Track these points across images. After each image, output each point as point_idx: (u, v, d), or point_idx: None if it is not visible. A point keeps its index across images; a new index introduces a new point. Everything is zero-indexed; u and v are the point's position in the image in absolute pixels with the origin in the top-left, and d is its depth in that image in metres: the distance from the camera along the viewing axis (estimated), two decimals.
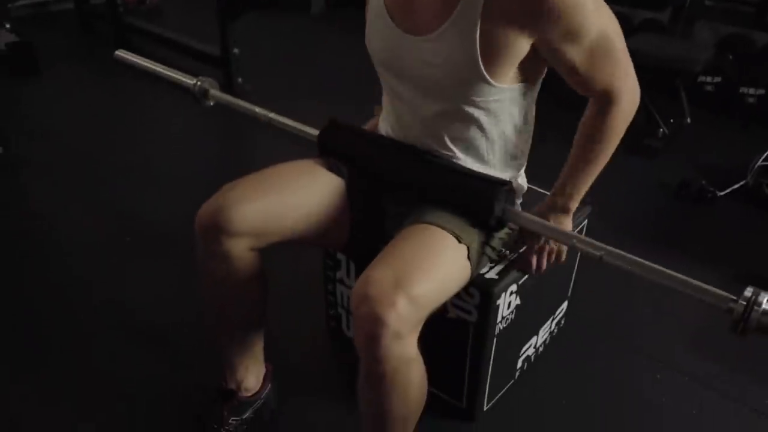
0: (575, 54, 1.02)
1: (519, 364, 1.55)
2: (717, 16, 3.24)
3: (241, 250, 1.16)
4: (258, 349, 1.37)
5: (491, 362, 1.39)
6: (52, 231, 2.12)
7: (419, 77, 1.11)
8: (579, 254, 1.61)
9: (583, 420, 1.48)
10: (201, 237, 1.15)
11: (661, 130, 2.74)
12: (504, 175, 1.23)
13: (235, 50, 3.14)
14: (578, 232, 1.55)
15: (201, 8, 3.08)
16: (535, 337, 1.57)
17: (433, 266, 1.04)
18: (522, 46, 1.02)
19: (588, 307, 1.80)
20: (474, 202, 1.13)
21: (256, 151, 2.74)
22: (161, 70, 1.55)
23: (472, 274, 1.15)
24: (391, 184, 1.24)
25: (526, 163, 1.32)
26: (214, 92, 1.48)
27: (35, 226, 2.15)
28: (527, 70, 1.08)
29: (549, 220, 1.20)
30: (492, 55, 1.02)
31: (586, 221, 1.56)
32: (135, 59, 1.58)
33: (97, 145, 2.73)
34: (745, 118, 3.05)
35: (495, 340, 1.35)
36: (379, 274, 0.98)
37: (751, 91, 3.02)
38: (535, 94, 1.19)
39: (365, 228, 1.27)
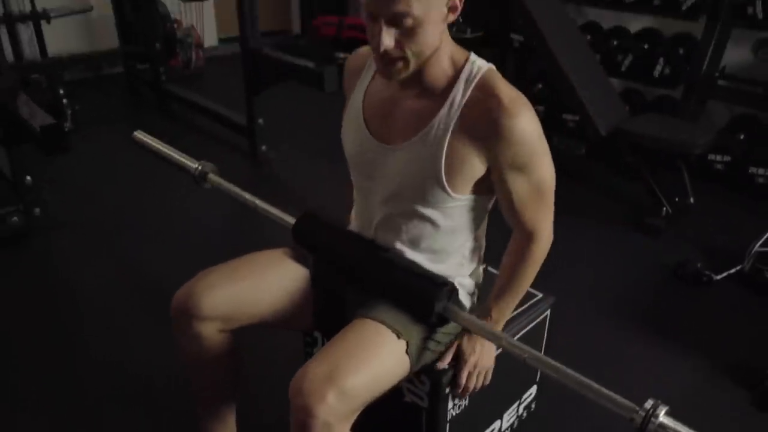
0: (518, 186, 1.14)
1: None
2: (729, 97, 3.28)
3: (210, 332, 1.28)
4: (230, 420, 1.48)
5: None
6: (72, 291, 2.30)
7: (385, 181, 1.23)
8: (545, 340, 1.68)
9: None
10: (174, 319, 1.28)
11: (665, 209, 2.77)
12: (459, 272, 1.32)
13: (260, 120, 3.35)
14: (541, 322, 1.62)
15: (237, 74, 3.34)
16: (498, 422, 1.62)
17: (368, 361, 1.13)
18: (480, 166, 1.14)
19: (560, 391, 1.83)
20: (415, 301, 1.22)
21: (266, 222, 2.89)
22: (168, 152, 1.67)
23: (412, 367, 1.22)
24: (349, 276, 1.35)
25: (481, 261, 1.41)
26: (212, 176, 1.59)
27: (58, 284, 2.35)
28: (484, 186, 1.19)
29: (479, 343, 1.30)
30: (454, 170, 1.14)
31: (548, 311, 1.62)
32: (148, 141, 1.72)
33: (125, 207, 2.94)
34: (755, 198, 3.05)
35: (448, 425, 1.42)
36: (314, 368, 1.08)
37: (761, 171, 3.03)
38: (489, 204, 1.29)
39: (327, 315, 1.38)
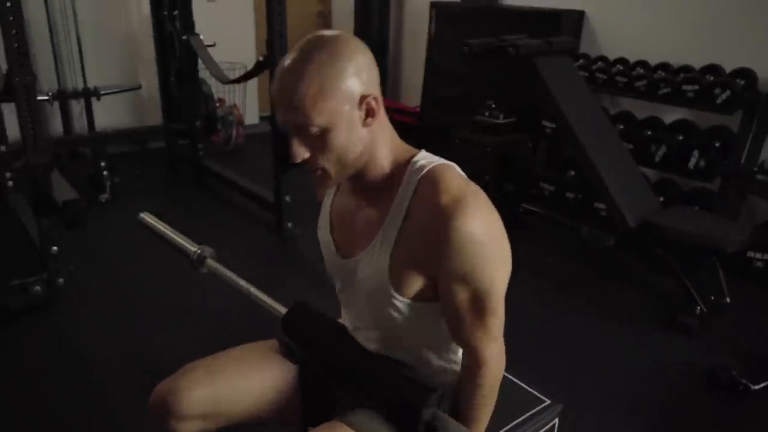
0: (456, 298, 1.04)
1: None
2: None
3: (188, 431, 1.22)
4: None
5: None
6: (78, 368, 2.29)
7: (351, 290, 1.20)
8: None
9: None
10: (152, 415, 1.22)
11: (699, 308, 2.63)
12: (443, 378, 1.23)
13: (287, 198, 3.39)
14: (549, 430, 1.50)
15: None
16: None
17: None
18: (426, 275, 1.06)
19: None
20: (402, 406, 1.14)
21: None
22: (171, 235, 1.68)
23: None
24: (336, 375, 1.28)
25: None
26: (210, 261, 1.59)
27: (68, 358, 2.35)
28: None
29: None
30: (403, 280, 1.07)
31: (557, 420, 1.51)
32: (153, 223, 1.73)
33: (146, 282, 2.96)
34: None
35: None
36: None
37: None
38: None
39: (316, 413, 1.31)
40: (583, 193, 3.56)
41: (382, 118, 1.06)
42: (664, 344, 2.55)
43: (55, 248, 2.63)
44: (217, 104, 4.92)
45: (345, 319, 1.34)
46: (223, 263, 1.52)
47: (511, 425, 1.43)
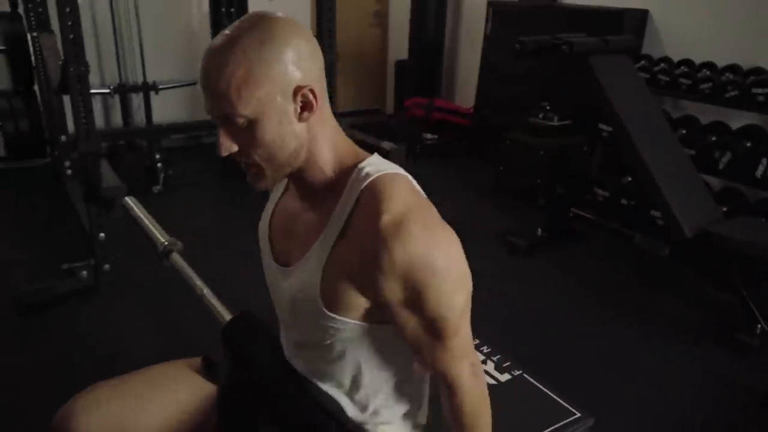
0: (409, 325, 0.92)
1: None
2: None
3: None
4: None
5: None
6: (119, 348, 2.34)
7: (281, 305, 1.08)
8: None
9: None
10: None
11: (759, 326, 2.45)
12: (388, 417, 1.09)
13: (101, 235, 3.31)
14: None
15: None
16: None
17: None
18: (362, 297, 0.92)
19: None
20: None
21: None
22: (147, 223, 1.65)
23: None
24: (261, 400, 1.14)
25: (423, 417, 1.16)
26: (175, 255, 1.53)
27: (106, 342, 2.40)
28: (376, 315, 0.96)
29: None
30: (333, 297, 0.93)
31: None
32: (133, 208, 1.70)
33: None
34: None
35: None
36: None
37: None
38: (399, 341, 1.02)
39: None
40: (639, 201, 3.39)
41: (324, 114, 0.93)
42: (717, 362, 2.39)
43: (102, 235, 2.70)
44: None
45: (282, 336, 1.18)
46: (188, 261, 1.48)
47: None
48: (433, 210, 0.92)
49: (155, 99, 4.48)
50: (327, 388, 1.07)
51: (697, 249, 2.64)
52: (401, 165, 2.82)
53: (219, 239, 3.37)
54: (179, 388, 1.19)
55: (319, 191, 0.95)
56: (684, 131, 3.46)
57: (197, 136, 5.07)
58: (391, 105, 6.04)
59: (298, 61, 0.86)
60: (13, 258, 3.08)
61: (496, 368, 1.58)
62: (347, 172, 0.93)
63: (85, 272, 2.70)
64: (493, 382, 1.53)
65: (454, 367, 0.95)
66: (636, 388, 2.24)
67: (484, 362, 1.59)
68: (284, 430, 1.09)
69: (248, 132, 0.87)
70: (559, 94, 3.98)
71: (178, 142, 4.89)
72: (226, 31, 0.87)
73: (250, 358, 1.17)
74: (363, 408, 1.07)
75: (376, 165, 0.94)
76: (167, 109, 4.66)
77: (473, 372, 0.98)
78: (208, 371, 1.23)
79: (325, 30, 3.06)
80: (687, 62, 3.58)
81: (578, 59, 2.89)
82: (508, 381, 1.54)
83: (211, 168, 4.67)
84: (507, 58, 4.53)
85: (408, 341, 0.95)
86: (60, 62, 2.65)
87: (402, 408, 1.10)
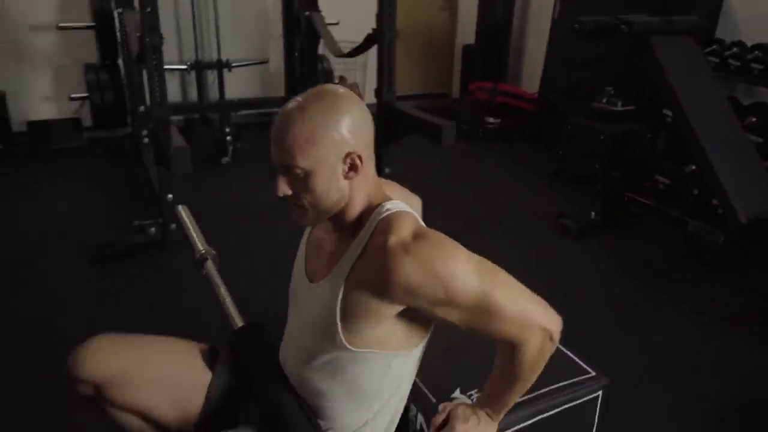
0: (455, 317, 1.04)
1: None
2: None
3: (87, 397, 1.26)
4: None
5: None
6: (180, 303, 2.53)
7: (300, 316, 1.22)
8: (596, 423, 1.50)
9: None
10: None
11: None
12: None
13: (387, 170, 3.47)
14: (589, 403, 1.45)
15: None
16: None
17: None
18: (383, 314, 1.06)
19: None
20: None
21: None
22: (191, 230, 1.75)
23: None
24: (250, 397, 1.29)
25: None
26: (209, 264, 1.62)
27: (165, 299, 2.59)
28: (390, 339, 1.10)
29: (476, 415, 1.19)
30: (350, 317, 1.07)
31: (600, 393, 1.46)
32: (183, 216, 1.81)
33: (251, 238, 3.16)
34: None
35: None
36: None
37: None
38: (392, 365, 1.15)
39: (209, 426, 1.30)
40: (701, 189, 3.30)
41: (367, 172, 1.09)
42: (763, 358, 2.32)
43: (170, 196, 2.91)
44: (338, 81, 5.12)
45: (282, 349, 1.31)
46: (219, 270, 1.59)
47: (547, 389, 1.41)
48: (438, 237, 1.05)
49: (228, 76, 4.70)
50: (309, 399, 1.20)
51: (753, 236, 2.56)
52: (452, 142, 2.87)
53: (275, 214, 3.53)
54: (180, 362, 1.32)
55: (347, 227, 1.12)
56: (754, 118, 3.34)
57: (267, 113, 5.28)
58: (457, 89, 6.06)
59: (352, 130, 1.04)
60: (91, 214, 3.36)
61: None
62: (372, 210, 1.11)
63: (153, 229, 2.92)
64: None
65: (517, 332, 1.05)
66: (683, 374, 2.21)
67: None
68: (263, 427, 1.21)
69: (302, 181, 1.05)
70: (626, 80, 3.90)
71: (248, 119, 5.12)
72: (298, 98, 1.06)
73: (247, 360, 1.31)
74: (332, 422, 1.19)
75: (396, 205, 1.10)
76: (240, 86, 4.88)
77: (541, 331, 1.07)
78: (210, 359, 1.35)
79: (385, 9, 3.13)
80: (761, 47, 3.44)
81: (639, 40, 2.85)
82: None
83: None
84: (574, 42, 4.48)
85: (465, 331, 1.07)
86: (138, 35, 2.86)
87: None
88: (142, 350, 1.32)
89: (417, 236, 1.03)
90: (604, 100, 3.82)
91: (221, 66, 4.61)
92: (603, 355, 1.65)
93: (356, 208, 1.11)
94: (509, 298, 1.04)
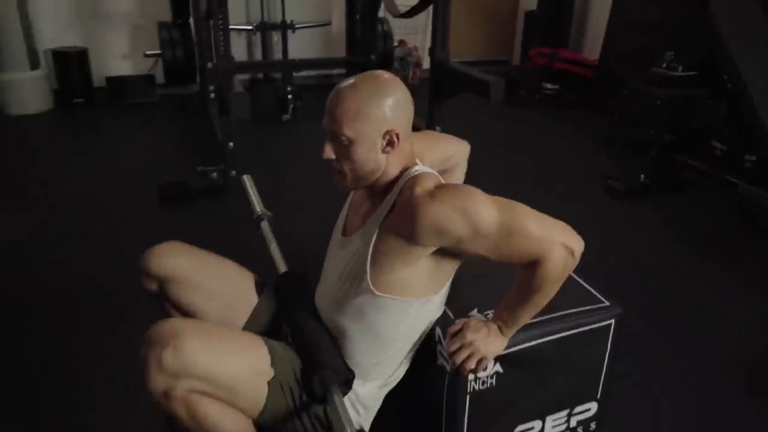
0: (482, 247, 1.18)
1: None
2: None
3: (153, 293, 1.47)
4: None
5: (465, 418, 1.47)
6: (235, 243, 2.73)
7: (333, 269, 1.37)
8: (608, 351, 1.58)
9: None
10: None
11: None
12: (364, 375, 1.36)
13: (437, 128, 3.57)
14: (601, 330, 1.54)
15: None
16: (538, 422, 1.57)
17: (227, 350, 1.24)
18: (412, 257, 1.22)
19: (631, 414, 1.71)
20: (306, 368, 1.31)
21: None
22: (252, 194, 1.91)
23: (264, 401, 1.28)
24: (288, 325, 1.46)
25: (386, 383, 1.42)
26: (264, 225, 1.78)
27: (231, 234, 2.80)
28: (413, 287, 1.26)
29: (487, 328, 1.31)
30: (379, 262, 1.23)
31: (612, 322, 1.54)
32: (246, 185, 1.97)
33: (304, 190, 3.31)
34: None
35: (468, 396, 1.44)
36: (173, 322, 1.23)
37: None
38: (409, 312, 1.31)
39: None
40: (758, 156, 3.23)
41: (403, 149, 1.25)
42: None
43: (231, 144, 3.11)
44: (398, 45, 5.21)
45: (317, 294, 1.48)
46: (274, 232, 1.75)
47: (560, 313, 1.50)
48: (460, 187, 1.22)
49: (292, 37, 4.88)
50: (336, 334, 1.37)
51: None
52: (500, 98, 2.93)
53: (325, 171, 3.70)
54: (233, 280, 1.52)
55: (380, 192, 1.29)
56: None
57: (328, 75, 5.44)
58: (518, 56, 6.04)
59: (394, 111, 1.21)
60: (162, 161, 3.63)
61: None
62: (402, 174, 1.28)
63: (215, 174, 3.14)
64: None
65: (539, 248, 1.18)
66: (717, 332, 2.23)
67: None
68: (298, 347, 1.37)
69: (345, 149, 1.22)
70: (688, 45, 3.82)
71: (310, 80, 5.29)
72: (351, 80, 1.23)
73: (287, 295, 1.51)
74: (349, 358, 1.35)
75: (421, 168, 1.28)
76: (303, 47, 5.05)
77: (567, 252, 1.19)
78: (258, 287, 1.54)
79: None
80: None
81: None
82: None
83: None
84: (637, 7, 4.40)
85: (496, 261, 1.21)
86: None
87: (368, 376, 1.37)
88: (201, 259, 1.50)
89: (439, 186, 1.20)
90: (664, 65, 3.77)
91: (285, 27, 4.78)
92: (641, 304, 1.73)
93: (389, 178, 1.28)
94: (530, 219, 1.18)
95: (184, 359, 1.14)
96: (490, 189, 1.21)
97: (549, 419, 1.59)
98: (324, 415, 1.33)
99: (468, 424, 1.48)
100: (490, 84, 2.84)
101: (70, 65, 4.54)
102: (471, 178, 1.55)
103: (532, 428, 1.58)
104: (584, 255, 1.23)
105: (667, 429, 1.78)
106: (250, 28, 4.82)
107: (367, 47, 4.50)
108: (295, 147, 4.00)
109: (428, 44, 5.57)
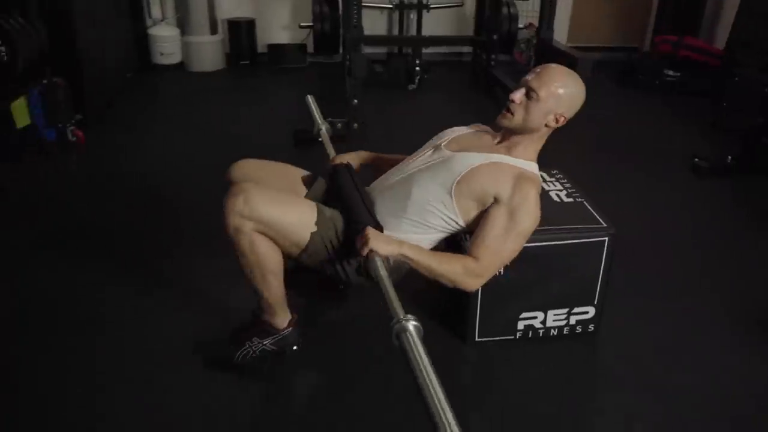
0: (492, 215, 1.65)
1: (519, 327, 2.01)
2: None
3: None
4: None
5: (479, 301, 1.95)
6: None
7: (426, 164, 1.79)
8: (602, 266, 1.97)
9: (549, 403, 1.83)
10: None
11: None
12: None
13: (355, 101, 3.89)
14: (595, 246, 1.93)
15: None
16: (540, 314, 2.01)
17: (285, 206, 1.68)
18: (480, 197, 1.67)
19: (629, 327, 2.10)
20: (351, 220, 1.71)
21: None
22: (313, 110, 2.48)
23: (306, 245, 1.68)
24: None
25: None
26: (323, 134, 2.32)
27: None
28: (465, 213, 1.70)
29: (390, 239, 1.65)
30: (466, 182, 1.67)
31: (606, 239, 1.93)
32: (310, 102, 2.54)
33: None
34: None
35: None
36: (249, 186, 1.63)
37: None
38: (439, 235, 1.76)
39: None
40: None
41: (547, 135, 1.76)
42: None
43: (355, 101, 3.75)
44: (525, 27, 5.56)
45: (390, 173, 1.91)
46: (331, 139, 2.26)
47: (562, 226, 1.92)
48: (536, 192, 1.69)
49: (427, 17, 5.41)
50: (381, 211, 1.77)
51: None
52: (588, 74, 3.34)
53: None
54: (295, 174, 2.00)
55: (512, 144, 1.76)
56: None
57: (458, 53, 5.93)
58: (649, 44, 6.09)
59: (574, 105, 1.72)
60: (302, 114, 4.33)
61: (567, 194, 2.14)
62: (530, 158, 1.77)
63: (340, 125, 3.79)
64: (556, 200, 2.11)
65: (484, 262, 1.64)
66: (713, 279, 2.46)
67: (553, 185, 2.21)
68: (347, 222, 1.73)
69: (530, 103, 1.68)
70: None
71: (440, 57, 5.81)
72: (559, 67, 1.72)
73: (339, 178, 1.90)
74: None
75: (536, 169, 1.76)
76: (437, 25, 5.57)
77: (474, 280, 1.68)
78: (309, 184, 1.98)
79: None
80: None
81: None
82: (568, 202, 2.10)
83: (460, 78, 5.51)
84: None
85: (475, 237, 1.66)
86: None
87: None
88: (268, 164, 1.98)
89: (525, 181, 1.66)
90: None
91: (421, 7, 5.33)
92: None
93: (530, 142, 1.75)
94: (505, 252, 1.67)
95: (251, 207, 1.57)
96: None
97: (550, 313, 2.02)
98: (358, 266, 1.74)
99: (481, 305, 1.97)
100: (578, 60, 3.20)
101: (241, 33, 5.46)
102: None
103: (535, 317, 2.02)
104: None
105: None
106: (390, 6, 5.43)
107: (492, 28, 4.94)
108: (412, 111, 4.57)
109: (556, 27, 5.86)
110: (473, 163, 1.71)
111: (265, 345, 1.85)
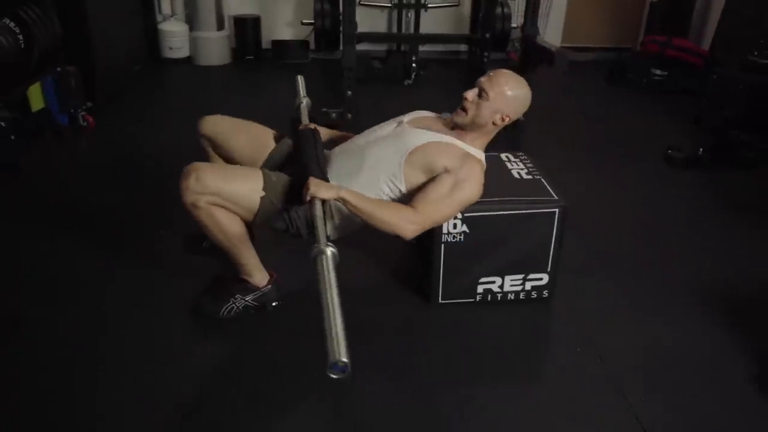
0: (439, 181, 1.89)
1: (479, 290, 2.21)
2: None
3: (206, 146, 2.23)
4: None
5: (441, 263, 2.16)
6: None
7: (384, 133, 2.07)
8: (554, 236, 2.17)
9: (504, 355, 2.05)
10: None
11: None
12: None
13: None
14: (545, 216, 2.13)
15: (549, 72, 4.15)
16: (498, 279, 2.21)
17: (231, 177, 1.89)
18: (428, 167, 1.92)
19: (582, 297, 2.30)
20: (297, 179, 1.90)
21: None
22: (300, 88, 2.66)
23: (256, 211, 1.88)
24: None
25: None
26: (302, 107, 2.49)
27: None
28: (410, 179, 1.94)
29: (331, 185, 1.83)
30: (418, 153, 1.92)
31: (557, 211, 2.13)
32: (297, 83, 2.71)
33: None
34: None
35: (443, 246, 2.12)
36: (199, 164, 1.85)
37: None
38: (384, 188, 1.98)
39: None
40: None
41: (494, 132, 2.03)
42: None
43: (349, 92, 3.97)
44: (519, 26, 5.75)
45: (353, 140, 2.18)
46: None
47: (516, 198, 2.13)
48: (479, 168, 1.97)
49: (425, 15, 5.61)
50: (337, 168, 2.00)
51: None
52: (564, 68, 3.54)
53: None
54: (259, 130, 2.25)
55: (461, 136, 2.00)
56: None
57: (455, 51, 6.13)
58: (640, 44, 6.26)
59: (520, 106, 2.00)
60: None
61: (527, 173, 2.34)
62: (472, 143, 2.01)
63: (334, 115, 4.01)
64: (516, 177, 2.31)
65: (420, 217, 1.87)
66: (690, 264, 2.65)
67: (516, 164, 2.40)
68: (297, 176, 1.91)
69: (480, 101, 1.94)
70: None
71: (437, 55, 6.02)
72: (510, 72, 1.99)
73: (299, 139, 2.12)
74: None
75: (478, 153, 2.01)
76: (432, 24, 5.76)
77: (414, 228, 1.88)
78: (279, 137, 2.22)
79: None
80: None
81: None
82: (527, 179, 2.30)
83: (455, 75, 5.71)
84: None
85: (417, 194, 1.90)
86: None
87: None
88: (237, 121, 2.23)
89: (473, 160, 1.93)
90: (756, 53, 4.00)
91: (419, 6, 5.54)
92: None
93: (478, 135, 2.00)
94: (448, 201, 1.89)
95: (203, 183, 1.78)
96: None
97: (507, 278, 2.21)
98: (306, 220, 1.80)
99: (444, 267, 2.18)
100: (555, 54, 3.40)
101: (246, 29, 5.71)
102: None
103: (494, 282, 2.21)
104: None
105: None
106: (389, 5, 5.65)
107: (485, 27, 5.14)
108: (405, 104, 4.64)
109: (548, 28, 6.05)
110: (428, 139, 1.95)
111: (247, 301, 2.08)
